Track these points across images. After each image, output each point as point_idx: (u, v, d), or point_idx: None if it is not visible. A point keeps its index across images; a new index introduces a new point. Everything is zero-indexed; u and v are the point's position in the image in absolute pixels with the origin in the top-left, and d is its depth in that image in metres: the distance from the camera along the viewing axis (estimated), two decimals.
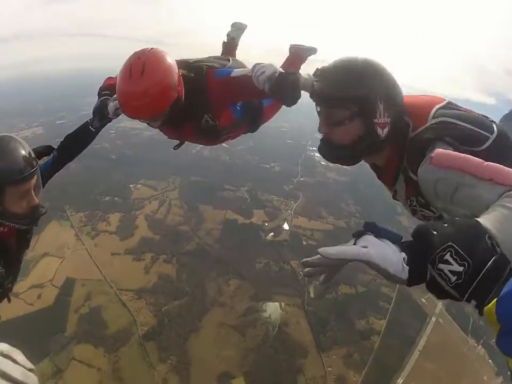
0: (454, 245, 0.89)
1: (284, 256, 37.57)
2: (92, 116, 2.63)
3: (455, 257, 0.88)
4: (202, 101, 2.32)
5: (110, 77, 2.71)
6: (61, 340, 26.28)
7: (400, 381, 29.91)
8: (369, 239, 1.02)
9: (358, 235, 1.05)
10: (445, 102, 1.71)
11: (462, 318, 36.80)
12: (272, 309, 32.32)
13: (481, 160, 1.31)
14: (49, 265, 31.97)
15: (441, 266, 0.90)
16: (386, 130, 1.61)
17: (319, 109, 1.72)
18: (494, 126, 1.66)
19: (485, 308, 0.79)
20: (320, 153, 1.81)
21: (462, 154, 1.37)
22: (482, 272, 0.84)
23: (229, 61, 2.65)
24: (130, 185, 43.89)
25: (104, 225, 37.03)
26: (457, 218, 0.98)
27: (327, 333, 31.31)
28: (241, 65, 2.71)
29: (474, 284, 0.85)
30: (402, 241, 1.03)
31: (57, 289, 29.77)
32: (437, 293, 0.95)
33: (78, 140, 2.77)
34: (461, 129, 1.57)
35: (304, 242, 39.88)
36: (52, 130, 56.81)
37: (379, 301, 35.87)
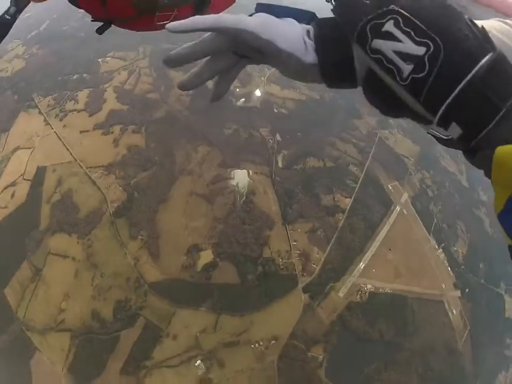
0: (401, 10, 0.58)
1: (253, 122, 37.11)
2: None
3: (406, 29, 0.57)
4: None
5: None
6: (36, 236, 26.96)
7: (361, 265, 30.60)
8: (259, 14, 0.83)
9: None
10: None
11: (426, 215, 36.87)
12: (240, 177, 32.25)
13: None
14: (20, 158, 32.47)
15: (379, 43, 0.61)
16: None
17: None
18: None
19: (499, 151, 0.52)
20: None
21: None
22: (470, 74, 0.52)
23: None
24: (99, 60, 42.97)
25: (72, 104, 36.57)
26: None
27: (293, 205, 31.40)
28: None
29: (457, 89, 0.53)
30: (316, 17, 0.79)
31: (29, 182, 30.48)
32: (379, 100, 0.64)
33: None
34: None
35: (275, 110, 39.52)
36: (17, 24, 54.75)
37: (346, 179, 35.50)
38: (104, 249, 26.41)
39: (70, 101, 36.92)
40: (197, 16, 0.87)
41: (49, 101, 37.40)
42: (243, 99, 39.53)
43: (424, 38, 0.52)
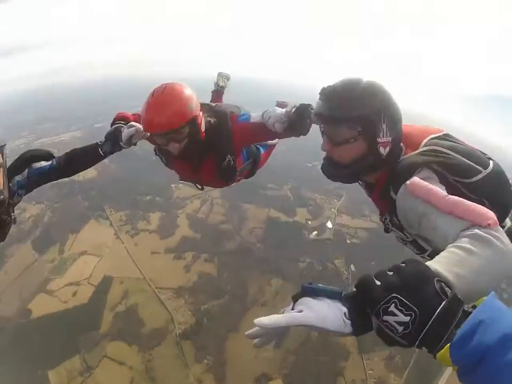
0: (398, 296, 1.01)
1: (327, 255, 41.21)
2: (103, 139, 3.02)
3: (401, 308, 1.00)
4: (228, 143, 2.95)
5: (121, 112, 3.32)
6: (94, 337, 29.72)
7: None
8: (305, 301, 1.17)
9: (295, 298, 1.22)
10: (441, 133, 2.08)
11: None
12: None
13: (445, 193, 1.57)
14: (87, 263, 36.47)
15: (387, 318, 1.02)
16: (387, 149, 1.93)
17: (323, 128, 2.05)
18: (491, 162, 1.98)
19: (438, 354, 0.96)
20: (323, 171, 2.16)
21: (431, 186, 1.63)
22: (431, 320, 0.97)
23: (239, 108, 3.38)
24: (172, 185, 48.74)
25: (144, 224, 41.59)
26: (404, 264, 1.10)
27: (369, 334, 33.46)
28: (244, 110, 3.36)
29: (423, 333, 0.98)
30: (343, 294, 1.21)
31: (93, 287, 33.82)
32: (386, 341, 1.10)
33: (84, 158, 3.08)
34: (451, 159, 1.87)
35: (348, 241, 43.98)
36: (90, 133, 65.04)
37: None
38: (165, 366, 28.65)
39: (142, 220, 42.42)
40: (276, 317, 1.13)
41: (121, 216, 42.93)
42: (315, 232, 43.82)
43: (409, 310, 0.96)
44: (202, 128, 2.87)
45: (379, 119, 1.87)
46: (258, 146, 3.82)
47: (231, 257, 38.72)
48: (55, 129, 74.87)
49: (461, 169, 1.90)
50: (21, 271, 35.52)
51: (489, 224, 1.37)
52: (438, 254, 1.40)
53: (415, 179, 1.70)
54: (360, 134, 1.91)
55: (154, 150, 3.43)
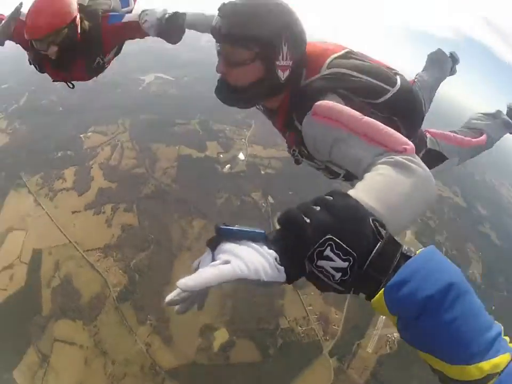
0: (334, 238, 0.87)
1: (243, 188, 40.53)
2: None
3: (337, 251, 0.87)
4: (97, 45, 3.06)
5: None
6: (40, 321, 28.64)
7: (383, 316, 31.82)
8: (227, 248, 1.01)
9: (213, 246, 1.07)
10: (343, 51, 1.95)
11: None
12: None
13: (359, 114, 1.44)
14: (15, 239, 35.01)
15: (321, 263, 0.89)
16: (287, 73, 1.81)
17: (219, 47, 1.87)
18: (398, 79, 1.98)
19: (372, 300, 0.85)
20: (217, 95, 1.98)
21: (343, 106, 1.53)
22: (366, 263, 0.86)
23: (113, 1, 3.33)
24: (81, 135, 47.09)
25: (61, 183, 39.65)
26: (331, 197, 0.95)
27: None
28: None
29: (359, 279, 0.89)
30: (266, 235, 1.03)
31: (26, 266, 32.59)
32: (320, 288, 1.01)
33: None
34: (356, 80, 1.80)
35: (262, 172, 43.58)
36: None
37: None
38: (112, 335, 28.02)
39: (58, 179, 40.23)
40: (201, 276, 0.96)
41: (37, 179, 40.56)
42: (228, 165, 43.31)
43: (346, 255, 0.86)
44: (79, 30, 2.90)
45: (280, 40, 1.73)
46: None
47: (149, 202, 37.49)
48: None
49: (367, 91, 1.84)
50: None
51: (405, 149, 1.30)
52: (351, 176, 1.85)
53: (322, 102, 1.59)
54: (257, 55, 1.76)
55: (29, 61, 3.33)
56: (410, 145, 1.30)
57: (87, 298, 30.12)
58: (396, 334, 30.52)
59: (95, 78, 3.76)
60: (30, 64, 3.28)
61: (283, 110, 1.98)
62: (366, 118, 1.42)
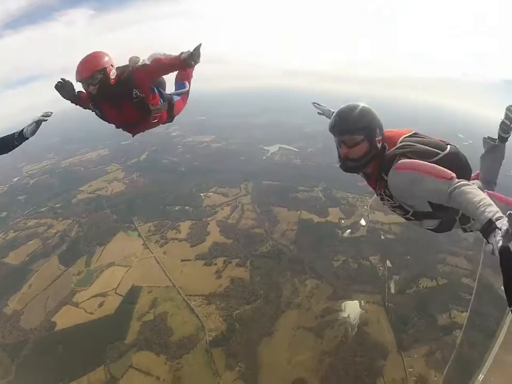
0: None
1: (362, 252, 40.96)
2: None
3: None
4: (129, 79, 4.21)
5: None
6: (120, 348, 28.91)
7: (480, 377, 31.31)
8: None
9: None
10: (411, 133, 3.27)
11: None
12: (351, 308, 34.51)
13: (425, 162, 2.74)
14: (115, 274, 36.19)
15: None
16: (380, 144, 3.12)
17: (337, 141, 3.17)
18: (448, 146, 3.14)
19: None
20: (341, 167, 3.26)
21: (414, 160, 2.81)
22: None
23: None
24: (201, 194, 49.55)
25: (174, 233, 41.48)
26: None
27: (409, 331, 33.20)
28: None
29: None
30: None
31: (121, 297, 33.39)
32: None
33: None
34: (418, 147, 3.03)
35: (382, 237, 43.97)
36: (117, 150, 68.99)
37: (460, 292, 38.36)
38: (194, 374, 27.55)
39: (172, 230, 42.07)
40: None
41: (150, 227, 42.69)
42: (349, 230, 43.90)
43: None
44: (112, 76, 4.15)
45: (374, 126, 3.07)
46: (173, 95, 5.08)
47: (263, 260, 38.07)
48: (82, 148, 78.08)
49: (425, 153, 2.99)
50: (46, 285, 35.37)
51: (453, 177, 2.48)
52: (417, 215, 3.40)
53: (402, 159, 2.87)
54: (364, 137, 3.05)
55: (90, 108, 4.53)
56: (454, 174, 2.51)
57: (178, 337, 30.16)
58: None
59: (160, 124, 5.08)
60: (92, 110, 4.58)
61: (375, 169, 3.19)
62: (429, 164, 2.69)
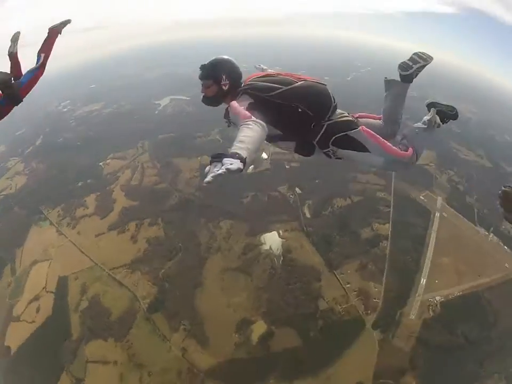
0: None
1: (269, 184, 41.81)
2: None
3: None
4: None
5: None
6: (70, 346, 28.41)
7: (423, 281, 33.76)
8: (223, 160, 2.24)
9: (212, 161, 2.30)
10: (264, 73, 3.95)
11: (465, 209, 45.29)
12: (271, 239, 35.10)
13: (242, 107, 3.26)
14: (39, 272, 34.96)
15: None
16: (227, 87, 3.84)
17: (201, 82, 3.93)
18: (299, 82, 3.68)
19: None
20: (202, 102, 4.02)
21: (238, 104, 3.32)
22: None
23: None
24: (100, 163, 48.16)
25: (82, 210, 40.17)
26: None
27: (334, 249, 34.39)
28: None
29: None
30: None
31: (52, 295, 32.56)
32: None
33: None
34: (257, 84, 3.67)
35: (287, 166, 45.38)
36: (13, 143, 64.32)
37: (378, 206, 40.77)
38: (145, 347, 27.68)
39: (79, 207, 40.77)
40: (216, 171, 2.17)
41: (58, 211, 41.09)
42: (252, 166, 41.95)
43: None
44: None
45: (221, 74, 3.85)
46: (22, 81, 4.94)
47: (174, 214, 38.01)
48: None
49: (262, 89, 3.64)
50: None
51: (246, 117, 3.04)
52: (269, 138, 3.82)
53: (233, 102, 3.41)
54: (213, 82, 3.88)
55: None
56: (248, 115, 3.07)
57: (117, 315, 29.99)
58: (438, 297, 33.53)
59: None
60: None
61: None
62: (239, 107, 3.27)
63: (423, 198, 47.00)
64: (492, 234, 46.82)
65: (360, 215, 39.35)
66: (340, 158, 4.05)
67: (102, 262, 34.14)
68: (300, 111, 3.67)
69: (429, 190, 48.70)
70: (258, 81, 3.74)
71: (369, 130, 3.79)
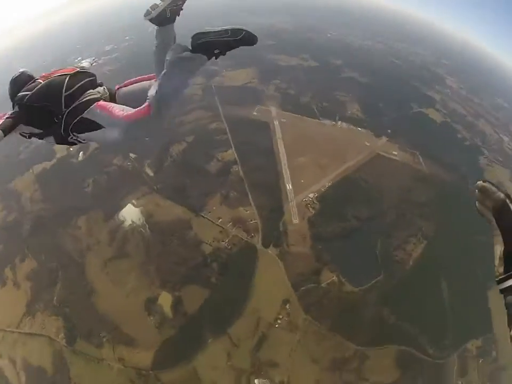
0: None
1: (101, 163, 42.81)
2: None
3: None
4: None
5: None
6: None
7: (289, 186, 37.38)
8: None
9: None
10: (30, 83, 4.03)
11: (303, 109, 52.71)
12: (129, 213, 36.00)
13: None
14: None
15: None
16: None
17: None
18: (41, 82, 3.98)
19: None
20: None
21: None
22: None
23: None
24: None
25: None
26: None
27: (191, 194, 37.12)
28: None
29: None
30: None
31: None
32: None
33: None
34: (20, 95, 3.94)
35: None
36: None
37: (214, 136, 44.55)
38: (91, 379, 27.84)
39: None
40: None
41: None
42: (81, 152, 44.15)
43: None
44: None
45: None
46: None
47: (34, 238, 37.51)
48: None
49: (22, 97, 3.90)
50: None
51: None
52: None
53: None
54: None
55: None
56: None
57: (50, 368, 29.32)
58: (311, 195, 36.35)
59: None
60: None
61: None
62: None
63: (256, 114, 49.83)
64: (339, 122, 52.51)
65: (201, 151, 40.84)
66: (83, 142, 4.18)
67: (6, 326, 32.42)
68: (43, 108, 3.93)
69: (260, 104, 51.74)
70: (24, 90, 3.92)
71: (104, 103, 3.90)
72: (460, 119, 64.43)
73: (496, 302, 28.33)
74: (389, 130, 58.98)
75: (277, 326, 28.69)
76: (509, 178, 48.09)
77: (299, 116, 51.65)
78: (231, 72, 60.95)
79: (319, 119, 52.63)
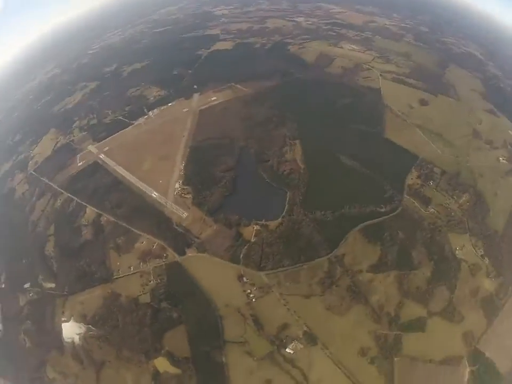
0: None
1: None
2: None
3: None
4: None
5: None
6: None
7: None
8: None
9: None
10: None
11: None
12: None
13: None
14: None
15: None
16: None
17: None
18: None
19: None
20: None
21: None
22: None
23: None
24: None
25: None
26: None
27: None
28: None
29: None
30: None
31: None
32: None
33: None
34: None
35: None
36: None
37: None
38: None
39: None
40: None
41: None
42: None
43: None
44: None
45: None
46: None
47: None
48: None
49: None
50: None
51: None
52: None
53: None
54: None
55: None
56: None
57: None
58: (177, 185, 40.70)
59: None
60: None
61: None
62: None
63: (81, 164, 52.93)
64: (151, 112, 60.07)
65: None
66: None
67: None
68: None
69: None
70: None
71: None
72: None
73: None
74: (195, 86, 66.66)
75: None
76: None
77: (113, 135, 53.68)
78: None
79: (132, 123, 55.71)
